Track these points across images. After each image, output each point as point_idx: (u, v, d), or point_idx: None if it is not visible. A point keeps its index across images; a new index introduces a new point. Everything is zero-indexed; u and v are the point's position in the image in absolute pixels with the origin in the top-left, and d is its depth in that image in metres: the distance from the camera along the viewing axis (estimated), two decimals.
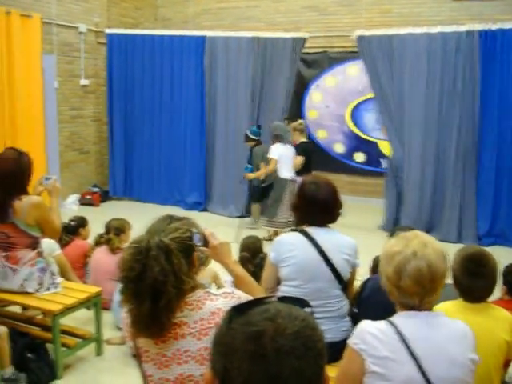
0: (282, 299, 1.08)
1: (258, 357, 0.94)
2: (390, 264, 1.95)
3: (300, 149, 7.26)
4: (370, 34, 7.78)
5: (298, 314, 1.00)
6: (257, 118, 8.55)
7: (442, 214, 7.70)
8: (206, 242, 2.06)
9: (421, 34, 7.51)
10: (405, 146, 7.83)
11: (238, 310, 1.02)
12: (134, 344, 1.88)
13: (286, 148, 7.00)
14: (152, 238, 1.72)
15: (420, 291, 1.91)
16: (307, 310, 1.09)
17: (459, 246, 3.22)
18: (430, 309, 1.96)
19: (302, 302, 1.06)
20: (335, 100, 9.97)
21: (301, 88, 10.15)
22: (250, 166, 7.59)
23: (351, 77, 9.76)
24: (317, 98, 10.15)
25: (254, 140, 7.68)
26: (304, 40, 8.52)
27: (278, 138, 6.96)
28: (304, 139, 7.59)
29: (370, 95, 9.57)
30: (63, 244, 5.17)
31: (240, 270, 2.22)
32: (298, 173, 6.99)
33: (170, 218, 1.89)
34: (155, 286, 1.67)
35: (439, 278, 1.92)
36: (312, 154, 7.53)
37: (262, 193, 7.46)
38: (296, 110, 10.17)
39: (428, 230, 7.54)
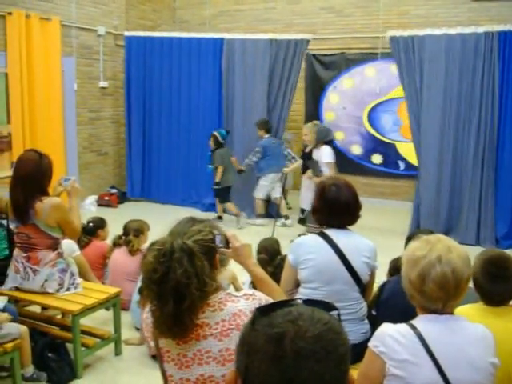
0: (308, 302, 1.08)
1: (277, 358, 0.94)
2: (413, 268, 1.94)
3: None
4: (404, 35, 7.66)
5: (320, 317, 1.00)
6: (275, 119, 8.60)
7: (460, 216, 7.63)
8: (227, 244, 2.07)
9: (439, 35, 7.45)
10: (421, 148, 7.78)
11: (262, 312, 1.03)
12: (155, 344, 1.89)
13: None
14: (175, 241, 1.74)
15: (444, 296, 1.90)
16: (333, 313, 1.08)
17: (477, 248, 3.21)
18: (451, 312, 1.95)
19: (328, 306, 1.06)
20: (352, 101, 9.94)
21: (318, 89, 10.15)
22: (210, 166, 8.09)
23: (369, 78, 9.72)
24: (334, 100, 10.13)
25: (219, 143, 8.03)
26: (307, 42, 8.52)
27: (328, 143, 7.04)
28: None
29: (388, 97, 9.58)
30: (82, 245, 5.22)
31: (260, 272, 2.23)
32: None
33: (193, 221, 1.91)
34: (178, 288, 1.68)
35: (463, 283, 1.91)
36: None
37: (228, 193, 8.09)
38: (313, 112, 10.17)
39: (446, 233, 7.49)
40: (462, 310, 2.55)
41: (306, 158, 7.24)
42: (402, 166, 9.70)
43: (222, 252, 1.98)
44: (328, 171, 6.71)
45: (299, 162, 7.56)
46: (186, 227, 1.86)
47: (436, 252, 1.91)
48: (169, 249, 1.71)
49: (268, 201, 8.51)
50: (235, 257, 2.16)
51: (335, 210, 2.98)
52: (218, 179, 8.00)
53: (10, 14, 7.50)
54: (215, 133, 8.11)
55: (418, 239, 2.04)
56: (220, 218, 8.27)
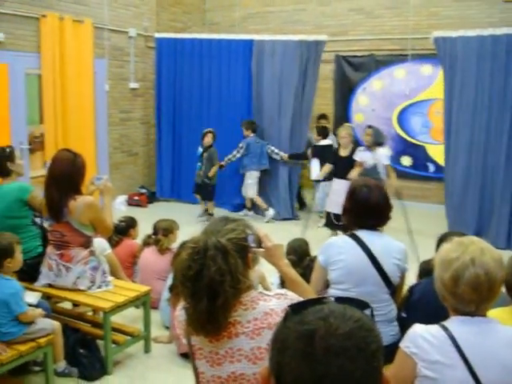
0: (340, 300, 1.08)
1: (308, 355, 0.95)
2: (446, 270, 1.93)
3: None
4: (449, 36, 7.55)
5: (351, 315, 1.00)
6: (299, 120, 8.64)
7: (491, 219, 7.53)
8: (259, 244, 2.08)
9: (472, 36, 7.37)
10: (451, 149, 7.70)
11: (294, 309, 1.04)
12: (187, 341, 1.91)
13: None
14: (209, 239, 1.76)
15: (477, 299, 1.89)
16: (367, 311, 1.09)
17: (509, 252, 3.16)
18: (484, 315, 1.94)
19: (361, 303, 1.06)
20: (382, 103, 9.89)
21: (347, 91, 10.11)
22: (199, 164, 8.21)
23: (398, 80, 9.66)
24: (363, 101, 10.08)
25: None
26: (323, 43, 8.55)
27: (382, 145, 7.03)
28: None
29: (417, 98, 9.49)
30: (113, 244, 5.29)
31: (293, 273, 2.23)
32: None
33: (226, 220, 1.93)
34: (212, 285, 1.70)
35: (497, 286, 1.90)
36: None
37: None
38: (342, 113, 10.15)
39: (476, 236, 7.40)
40: (493, 313, 2.52)
41: (344, 160, 7.06)
42: (431, 168, 9.60)
43: (255, 252, 1.99)
44: (386, 173, 6.66)
45: (329, 166, 7.42)
46: (220, 226, 1.88)
47: (469, 254, 1.90)
48: (203, 246, 1.73)
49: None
50: (267, 257, 2.16)
51: (365, 211, 2.97)
52: (211, 175, 8.16)
53: (44, 16, 7.64)
54: (212, 130, 8.26)
55: (450, 241, 2.02)
56: (211, 214, 8.30)
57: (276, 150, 8.56)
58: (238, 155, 8.46)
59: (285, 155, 8.49)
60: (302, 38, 8.55)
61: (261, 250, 2.10)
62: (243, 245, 1.85)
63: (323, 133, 8.33)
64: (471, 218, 7.62)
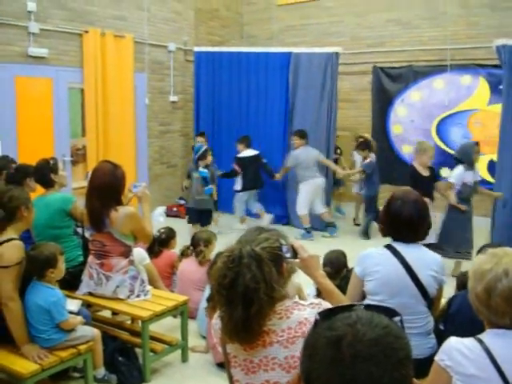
0: (369, 307, 1.09)
1: (336, 361, 0.96)
2: (479, 282, 1.92)
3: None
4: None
5: (379, 322, 1.02)
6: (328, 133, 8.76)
7: None
8: (295, 254, 2.10)
9: None
10: (499, 161, 7.57)
11: (324, 316, 1.07)
12: (222, 350, 1.94)
13: None
14: (244, 247, 1.79)
15: (511, 311, 1.87)
16: (396, 319, 1.10)
17: None
18: None
19: (390, 311, 1.07)
20: (420, 114, 9.78)
21: (385, 102, 10.04)
22: (210, 187, 7.51)
23: (437, 91, 9.54)
24: (402, 113, 9.99)
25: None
26: (337, 54, 8.64)
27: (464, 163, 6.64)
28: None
29: (457, 109, 9.36)
30: (155, 254, 5.39)
31: (329, 284, 2.24)
32: None
33: (260, 229, 1.96)
34: (247, 293, 1.72)
35: None
36: None
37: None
38: (380, 125, 10.08)
39: None
40: None
41: (426, 180, 6.65)
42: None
43: (290, 262, 2.01)
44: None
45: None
46: (254, 235, 1.91)
47: (502, 266, 1.88)
48: (238, 255, 1.76)
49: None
50: (303, 268, 2.16)
51: (396, 223, 2.95)
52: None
53: (86, 32, 7.87)
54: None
55: (485, 253, 2.01)
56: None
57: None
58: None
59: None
60: (316, 50, 8.74)
61: (296, 260, 2.11)
62: (277, 254, 1.87)
63: (247, 143, 8.42)
64: None
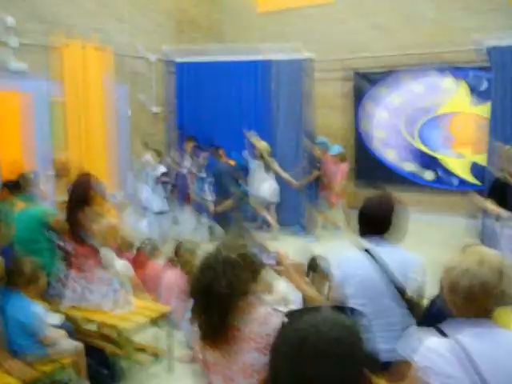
0: (336, 309, 1.11)
1: (299, 360, 0.98)
2: (445, 280, 1.95)
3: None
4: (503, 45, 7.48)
5: (342, 322, 1.03)
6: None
7: None
8: (278, 262, 2.10)
9: None
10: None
11: (291, 317, 1.08)
12: (202, 356, 1.94)
13: None
14: (220, 253, 1.80)
15: (473, 309, 1.88)
16: (362, 320, 1.11)
17: None
18: (496, 325, 1.91)
19: (356, 312, 1.09)
20: (402, 118, 9.87)
21: (367, 107, 10.11)
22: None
23: (418, 94, 9.64)
24: (384, 117, 10.07)
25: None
26: (311, 60, 8.81)
27: None
28: None
29: (438, 112, 9.45)
30: (139, 265, 5.37)
31: (311, 291, 2.24)
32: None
33: (241, 236, 1.96)
34: (220, 298, 1.73)
35: (494, 297, 1.87)
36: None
37: None
38: (362, 130, 10.15)
39: None
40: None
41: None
42: (455, 181, 9.51)
43: (275, 269, 2.02)
44: None
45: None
46: (233, 242, 1.92)
47: (466, 264, 1.89)
48: (212, 260, 1.77)
49: None
50: (286, 275, 2.17)
51: (360, 220, 3.04)
52: None
53: (66, 45, 7.85)
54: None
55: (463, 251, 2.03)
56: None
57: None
58: None
59: None
60: (293, 57, 8.92)
61: (280, 267, 2.11)
62: (253, 261, 1.88)
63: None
64: None
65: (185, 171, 7.49)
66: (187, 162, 8.37)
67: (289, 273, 2.16)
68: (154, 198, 7.44)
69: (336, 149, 8.65)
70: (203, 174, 8.12)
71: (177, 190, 8.01)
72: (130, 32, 9.07)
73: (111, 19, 8.75)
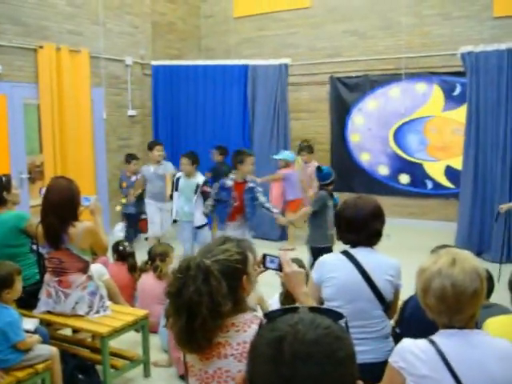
0: (314, 309, 1.11)
1: (276, 361, 0.97)
2: (418, 282, 1.96)
3: None
4: (474, 51, 7.60)
5: (320, 323, 1.03)
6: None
7: (491, 234, 7.54)
8: (280, 267, 2.06)
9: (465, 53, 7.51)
10: (463, 166, 7.79)
11: (269, 318, 1.08)
12: (183, 357, 1.92)
13: None
14: (194, 258, 1.77)
15: (446, 310, 1.89)
16: (341, 321, 1.11)
17: (509, 266, 3.17)
18: (470, 326, 1.92)
19: (334, 313, 1.08)
20: (378, 122, 9.96)
21: (343, 112, 10.20)
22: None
23: (393, 99, 9.74)
24: (359, 121, 10.16)
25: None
26: (286, 66, 8.84)
27: None
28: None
29: (413, 116, 9.57)
30: (115, 269, 5.34)
31: (309, 303, 2.19)
32: None
33: (225, 240, 1.93)
34: (191, 304, 1.70)
35: (466, 298, 1.87)
36: None
37: None
38: (338, 134, 10.23)
39: (479, 252, 7.41)
40: (494, 320, 2.55)
41: None
42: (429, 185, 9.63)
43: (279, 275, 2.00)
44: None
45: None
46: (214, 246, 1.88)
47: (438, 265, 1.90)
48: (185, 265, 1.75)
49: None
50: (286, 282, 2.12)
51: (340, 225, 3.07)
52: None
53: (41, 47, 7.77)
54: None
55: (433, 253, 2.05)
56: None
57: None
58: None
59: None
60: (269, 62, 8.95)
61: (280, 273, 2.07)
62: (234, 267, 1.84)
63: None
64: (475, 235, 7.65)
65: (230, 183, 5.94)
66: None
67: (288, 280, 2.08)
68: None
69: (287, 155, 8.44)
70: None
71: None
72: (106, 34, 9.01)
73: (87, 22, 8.68)
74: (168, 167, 7.82)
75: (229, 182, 5.92)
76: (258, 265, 2.07)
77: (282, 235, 8.77)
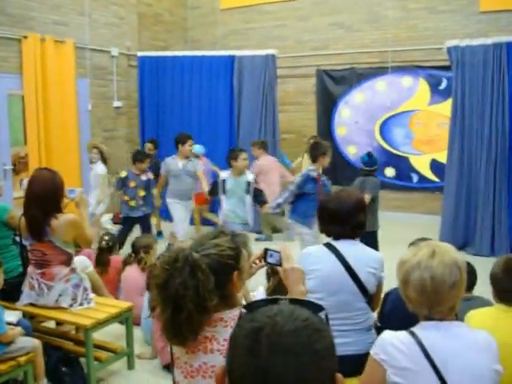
0: (294, 301, 1.10)
1: (253, 352, 0.97)
2: (398, 274, 1.98)
3: None
4: (459, 45, 7.59)
5: (299, 315, 1.03)
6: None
7: (476, 228, 7.60)
8: (280, 262, 2.01)
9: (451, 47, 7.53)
10: (447, 160, 7.82)
11: (249, 309, 1.08)
12: (170, 348, 1.91)
13: None
14: (183, 251, 1.74)
15: (425, 302, 1.90)
16: (321, 313, 1.10)
17: (493, 259, 3.17)
18: (450, 318, 1.93)
19: (315, 306, 1.08)
20: (364, 115, 9.99)
21: (330, 105, 10.21)
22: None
23: (379, 92, 9.77)
24: (346, 114, 10.17)
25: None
26: (273, 57, 8.80)
27: None
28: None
29: (399, 110, 9.60)
30: (104, 264, 5.35)
31: None
32: None
33: (219, 233, 1.90)
34: (176, 297, 1.68)
35: (445, 290, 1.88)
36: None
37: None
38: (325, 127, 10.24)
39: (463, 246, 7.47)
40: (476, 313, 2.58)
41: None
42: (415, 178, 9.68)
43: (276, 268, 1.99)
44: None
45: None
46: (206, 239, 1.86)
47: (418, 257, 1.92)
48: (173, 258, 1.73)
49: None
50: (284, 278, 2.09)
51: (323, 216, 3.10)
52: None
53: (25, 37, 7.68)
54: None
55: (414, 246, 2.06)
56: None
57: None
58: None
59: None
60: (256, 53, 8.91)
61: (279, 268, 2.04)
62: (224, 262, 1.81)
63: None
64: (460, 229, 7.71)
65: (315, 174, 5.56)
66: None
67: (286, 276, 1.99)
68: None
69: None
70: None
71: None
72: (92, 25, 8.93)
73: (72, 12, 8.59)
74: (196, 164, 7.25)
75: (313, 173, 5.60)
76: (260, 259, 2.06)
77: None
